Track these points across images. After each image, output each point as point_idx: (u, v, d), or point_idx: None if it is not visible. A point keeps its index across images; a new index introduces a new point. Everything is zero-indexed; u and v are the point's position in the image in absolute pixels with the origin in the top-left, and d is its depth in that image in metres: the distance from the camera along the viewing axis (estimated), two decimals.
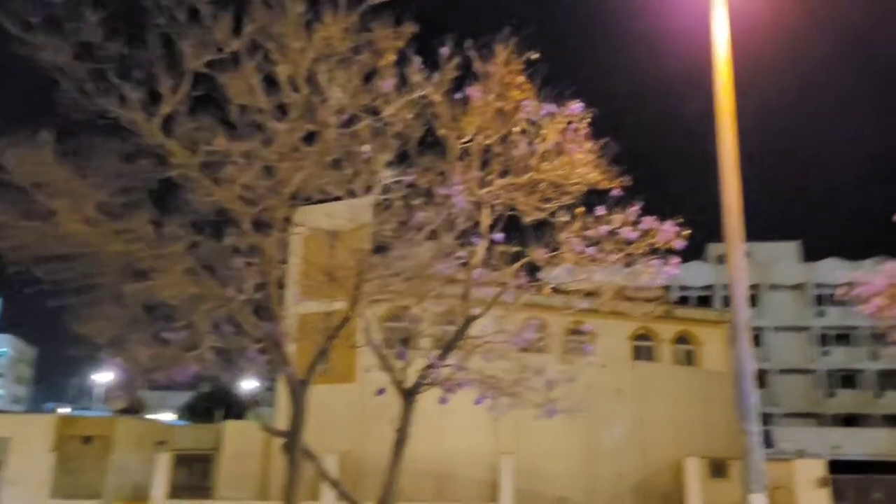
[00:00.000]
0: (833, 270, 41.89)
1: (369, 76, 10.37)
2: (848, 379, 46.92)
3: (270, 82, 10.03)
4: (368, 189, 10.81)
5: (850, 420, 45.05)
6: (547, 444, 22.11)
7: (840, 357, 47.11)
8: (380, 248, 11.10)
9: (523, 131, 11.53)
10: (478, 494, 21.85)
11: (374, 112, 10.54)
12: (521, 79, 11.21)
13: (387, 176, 10.85)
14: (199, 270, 9.99)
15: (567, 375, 12.27)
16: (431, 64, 10.91)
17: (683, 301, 42.78)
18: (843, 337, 47.31)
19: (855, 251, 43.65)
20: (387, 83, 10.39)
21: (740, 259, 10.51)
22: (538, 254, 11.60)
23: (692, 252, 47.05)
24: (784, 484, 22.05)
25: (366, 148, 10.53)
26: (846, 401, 46.14)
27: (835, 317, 45.98)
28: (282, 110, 10.08)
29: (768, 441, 28.24)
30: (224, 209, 10.08)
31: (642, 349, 27.53)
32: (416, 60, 10.67)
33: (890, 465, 28.91)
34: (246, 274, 10.19)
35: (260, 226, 10.15)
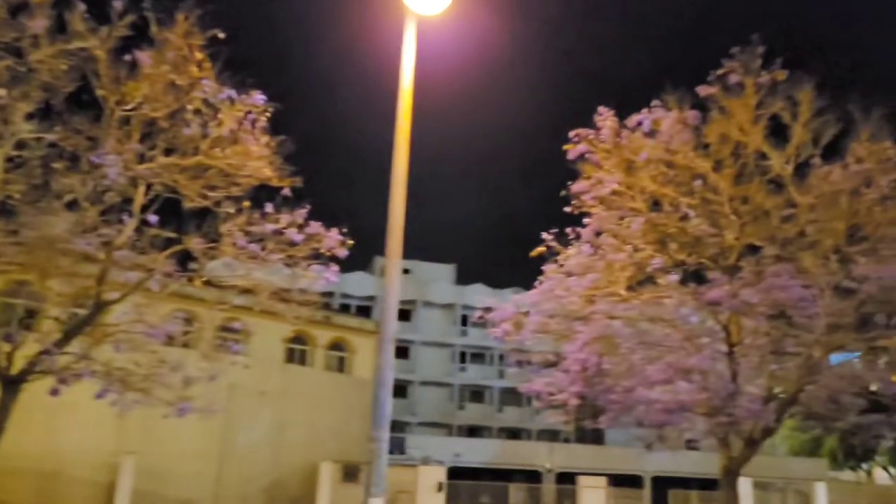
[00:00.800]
0: (478, 295, 46.31)
1: (16, 10, 8.88)
2: (477, 394, 52.17)
3: None
4: None
5: (474, 431, 50.05)
6: (177, 444, 20.88)
7: (473, 374, 52.21)
8: (2, 211, 9.52)
9: (197, 111, 10.79)
10: (91, 496, 19.86)
11: (18, 53, 9.04)
12: (202, 55, 10.49)
13: (24, 129, 9.36)
14: None
15: (208, 373, 11.65)
16: (100, 16, 9.72)
17: (345, 309, 44.02)
18: (478, 356, 52.53)
19: (501, 280, 48.52)
20: (37, 23, 8.98)
21: (396, 274, 10.87)
22: (195, 243, 10.90)
23: (361, 263, 48.86)
24: (408, 488, 23.56)
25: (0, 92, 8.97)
26: (473, 413, 51.21)
27: (474, 337, 50.85)
28: None
29: (401, 448, 30.08)
30: None
31: (297, 352, 27.61)
32: (81, 7, 9.41)
33: (499, 472, 32.59)
34: None
35: None
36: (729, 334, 13.72)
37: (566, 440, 43.83)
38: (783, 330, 14.35)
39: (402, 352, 48.39)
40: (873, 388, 15.09)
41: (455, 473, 28.71)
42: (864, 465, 43.56)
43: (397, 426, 44.11)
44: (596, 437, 42.22)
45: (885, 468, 43.26)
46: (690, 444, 37.26)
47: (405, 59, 11.36)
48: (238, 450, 23.01)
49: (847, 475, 42.65)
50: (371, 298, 49.04)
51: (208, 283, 11.77)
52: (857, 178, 13.76)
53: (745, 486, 23.00)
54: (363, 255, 48.44)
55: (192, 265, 11.36)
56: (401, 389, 47.59)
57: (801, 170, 14.51)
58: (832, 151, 14.51)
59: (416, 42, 11.37)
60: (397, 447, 29.13)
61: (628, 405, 13.48)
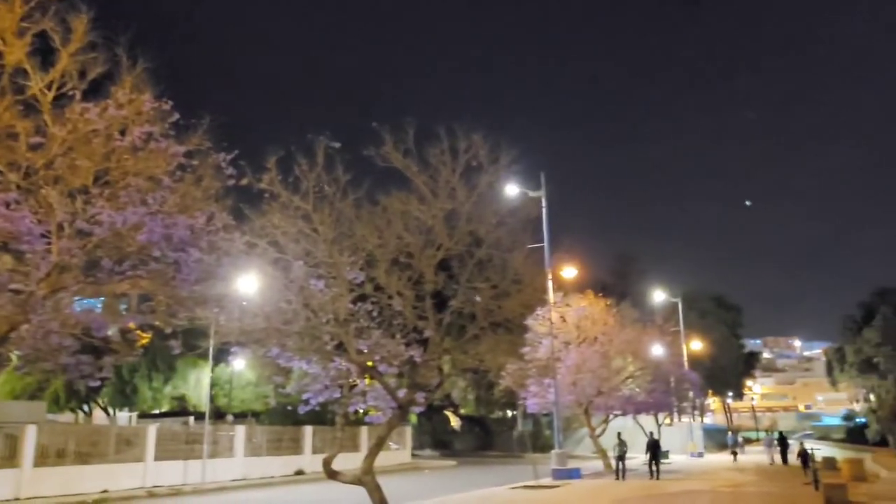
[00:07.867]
0: None
1: None
2: None
3: None
4: None
5: None
6: None
7: None
8: None
9: None
10: None
11: None
12: None
13: None
14: None
15: None
16: None
17: None
18: None
19: None
20: None
21: None
22: None
23: None
24: None
25: None
26: None
27: None
28: None
29: None
30: None
31: None
32: None
33: None
34: None
35: None
36: None
37: None
38: (9, 264, 13.34)
39: None
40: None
41: None
42: (87, 406, 45.00)
43: None
44: None
45: (104, 408, 45.50)
46: None
47: None
48: None
49: (68, 416, 43.36)
50: None
51: None
52: (113, 123, 13.78)
53: None
54: None
55: None
56: None
57: (62, 100, 13.80)
58: (96, 91, 14.22)
59: None
60: None
61: None
